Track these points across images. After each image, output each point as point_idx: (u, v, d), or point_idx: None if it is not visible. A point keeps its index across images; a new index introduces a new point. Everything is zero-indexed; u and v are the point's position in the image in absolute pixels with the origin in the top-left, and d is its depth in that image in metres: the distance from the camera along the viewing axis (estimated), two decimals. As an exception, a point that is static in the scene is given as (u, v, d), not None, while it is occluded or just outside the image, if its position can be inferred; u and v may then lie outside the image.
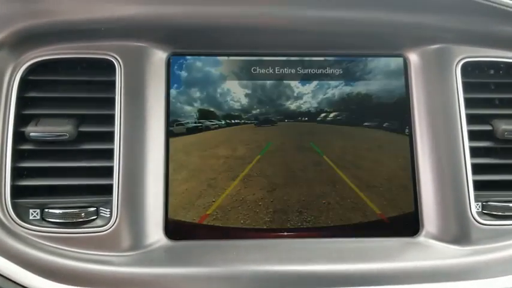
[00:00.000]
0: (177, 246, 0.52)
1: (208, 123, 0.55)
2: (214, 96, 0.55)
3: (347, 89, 0.56)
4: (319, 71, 0.56)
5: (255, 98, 0.56)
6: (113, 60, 0.53)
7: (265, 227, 0.53)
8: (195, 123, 0.55)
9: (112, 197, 0.51)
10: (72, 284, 0.46)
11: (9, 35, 0.51)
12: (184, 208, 0.53)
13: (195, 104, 0.55)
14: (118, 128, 0.52)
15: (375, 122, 0.56)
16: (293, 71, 0.56)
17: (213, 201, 0.53)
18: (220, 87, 0.55)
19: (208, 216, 0.53)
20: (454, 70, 0.55)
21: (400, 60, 0.57)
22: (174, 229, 0.52)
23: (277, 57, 0.56)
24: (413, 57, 0.56)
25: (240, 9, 0.52)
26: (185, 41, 0.54)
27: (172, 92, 0.54)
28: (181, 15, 0.52)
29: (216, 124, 0.55)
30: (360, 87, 0.56)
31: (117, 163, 0.51)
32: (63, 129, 0.51)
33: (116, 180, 0.51)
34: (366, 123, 0.56)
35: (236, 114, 0.55)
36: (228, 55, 0.56)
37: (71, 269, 0.47)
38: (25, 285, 0.46)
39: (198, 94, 0.55)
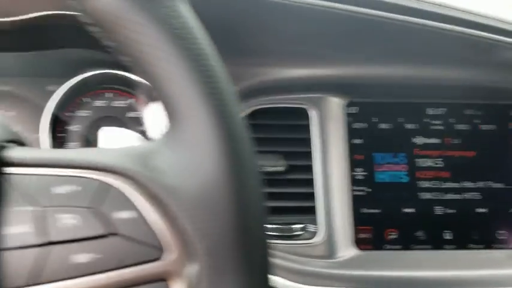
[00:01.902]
0: (365, 255, 0.67)
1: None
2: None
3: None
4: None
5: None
6: (305, 108, 0.69)
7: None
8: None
9: (315, 215, 0.66)
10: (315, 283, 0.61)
11: (244, 88, 0.65)
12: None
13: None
14: (315, 162, 0.67)
15: None
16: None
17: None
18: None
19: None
20: None
21: None
22: (361, 241, 0.68)
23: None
24: None
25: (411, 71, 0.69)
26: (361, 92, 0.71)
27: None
28: (362, 75, 0.69)
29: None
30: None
31: (318, 189, 0.66)
32: (281, 163, 0.66)
33: (319, 202, 0.66)
34: None
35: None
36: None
37: (304, 270, 0.62)
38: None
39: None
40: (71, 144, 0.71)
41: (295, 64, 0.66)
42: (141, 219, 0.30)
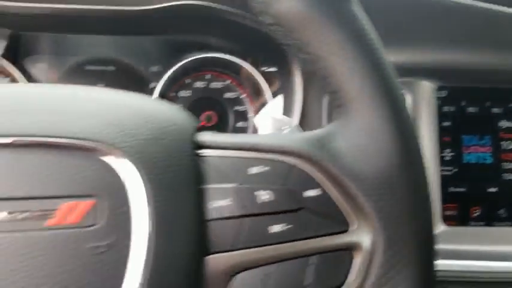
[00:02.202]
0: (451, 230, 0.71)
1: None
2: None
3: None
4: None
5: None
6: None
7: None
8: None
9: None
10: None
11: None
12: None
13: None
14: None
15: None
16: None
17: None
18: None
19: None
20: None
21: None
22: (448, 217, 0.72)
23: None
24: None
25: (498, 58, 0.71)
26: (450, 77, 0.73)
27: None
28: (452, 60, 0.71)
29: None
30: None
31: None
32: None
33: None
34: None
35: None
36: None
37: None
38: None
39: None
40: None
41: (392, 50, 0.69)
42: (326, 196, 0.35)
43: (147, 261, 0.29)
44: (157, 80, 0.76)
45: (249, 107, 0.78)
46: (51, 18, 0.63)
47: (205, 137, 0.36)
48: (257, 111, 0.77)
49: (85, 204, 0.29)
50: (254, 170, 0.34)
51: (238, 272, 0.33)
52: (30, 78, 0.72)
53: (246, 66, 0.75)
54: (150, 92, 0.76)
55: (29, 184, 0.29)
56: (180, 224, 0.31)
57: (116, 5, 0.62)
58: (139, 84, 0.76)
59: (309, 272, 0.33)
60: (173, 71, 0.72)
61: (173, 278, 0.30)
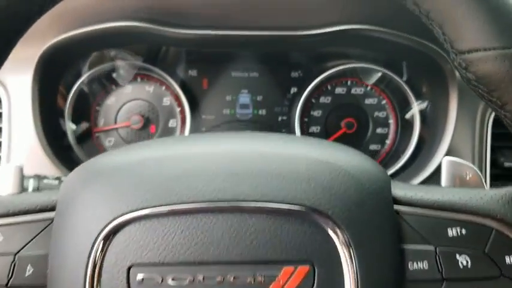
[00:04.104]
0: None
1: None
2: None
3: None
4: None
5: None
6: None
7: None
8: None
9: None
10: None
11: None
12: None
13: None
14: None
15: None
16: None
17: None
18: None
19: None
20: None
21: None
22: None
23: None
24: None
25: None
26: None
27: None
28: None
29: None
30: None
31: None
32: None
33: None
34: None
35: None
36: None
37: None
38: None
39: None
40: (312, 127, 0.78)
41: None
42: (529, 264, 0.34)
43: None
44: (298, 85, 0.77)
45: (389, 113, 0.77)
46: (215, 42, 0.66)
47: (400, 191, 0.36)
48: (397, 118, 0.76)
49: (303, 269, 0.32)
50: (453, 232, 0.35)
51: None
52: (183, 85, 0.76)
53: (390, 74, 0.73)
54: (291, 96, 0.77)
55: (252, 248, 0.32)
56: (383, 286, 0.33)
57: (278, 31, 0.64)
58: (280, 89, 0.78)
59: None
60: (320, 80, 0.73)
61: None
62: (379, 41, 0.63)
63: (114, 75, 0.75)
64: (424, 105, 0.73)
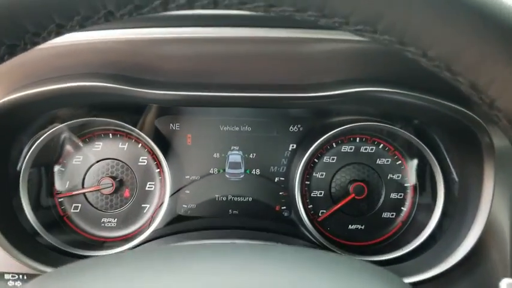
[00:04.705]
0: None
1: None
2: None
3: None
4: None
5: None
6: None
7: None
8: None
9: None
10: None
11: None
12: None
13: None
14: None
15: None
16: None
17: None
18: None
19: None
20: None
21: None
22: None
23: None
24: None
25: None
26: None
27: None
28: None
29: None
30: None
31: None
32: None
33: None
34: None
35: None
36: None
37: None
38: None
39: None
40: (315, 192, 0.67)
41: None
42: None
43: None
44: (297, 141, 0.66)
45: (404, 175, 0.66)
46: (198, 102, 0.54)
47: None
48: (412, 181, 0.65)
49: None
50: None
51: None
52: (163, 141, 0.65)
53: (405, 132, 0.63)
54: (290, 153, 0.66)
55: None
56: None
57: (280, 92, 0.52)
58: (276, 146, 0.67)
59: None
60: (325, 139, 0.62)
61: None
62: (405, 104, 0.52)
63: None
64: (450, 175, 0.61)
